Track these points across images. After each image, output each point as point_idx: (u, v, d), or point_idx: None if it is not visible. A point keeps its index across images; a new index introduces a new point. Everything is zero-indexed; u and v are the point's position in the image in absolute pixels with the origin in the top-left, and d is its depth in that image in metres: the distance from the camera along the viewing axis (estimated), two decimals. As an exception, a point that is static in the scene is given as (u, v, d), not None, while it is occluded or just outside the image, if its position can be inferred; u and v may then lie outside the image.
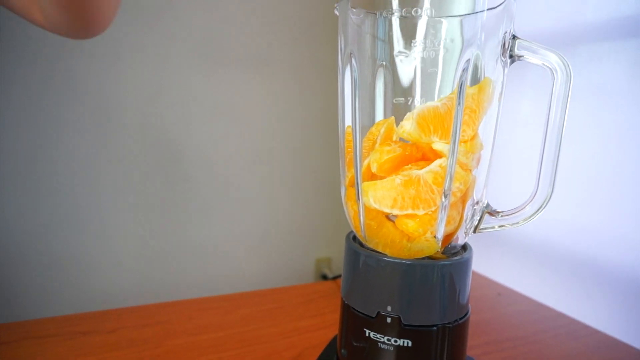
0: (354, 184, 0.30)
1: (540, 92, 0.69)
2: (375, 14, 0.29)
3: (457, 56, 0.28)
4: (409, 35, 0.29)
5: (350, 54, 0.30)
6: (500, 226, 0.32)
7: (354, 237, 0.34)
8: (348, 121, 0.32)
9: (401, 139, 0.30)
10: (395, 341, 0.29)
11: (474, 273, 0.71)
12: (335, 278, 0.67)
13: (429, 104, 0.28)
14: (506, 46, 0.29)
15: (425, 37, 0.28)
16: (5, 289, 0.85)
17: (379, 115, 0.32)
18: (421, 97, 0.30)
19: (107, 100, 0.91)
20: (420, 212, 0.28)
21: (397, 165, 0.30)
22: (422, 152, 0.30)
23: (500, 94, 0.31)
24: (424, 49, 0.28)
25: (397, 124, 0.30)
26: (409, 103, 0.30)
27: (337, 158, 0.35)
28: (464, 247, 0.32)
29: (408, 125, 0.28)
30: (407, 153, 0.30)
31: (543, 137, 0.29)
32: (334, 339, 0.41)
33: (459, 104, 0.27)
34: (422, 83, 0.30)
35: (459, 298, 0.30)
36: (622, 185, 0.58)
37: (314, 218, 1.19)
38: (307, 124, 1.14)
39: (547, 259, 0.69)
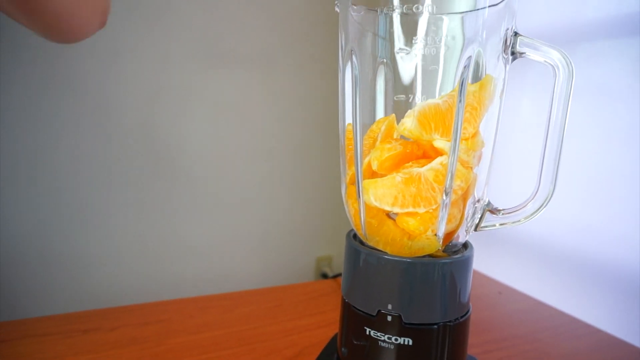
0: (355, 182, 0.30)
1: (542, 90, 0.69)
2: (376, 11, 0.29)
3: (459, 53, 0.28)
4: (410, 32, 0.28)
5: (351, 51, 0.30)
6: (501, 224, 0.32)
7: (355, 235, 0.33)
8: (349, 119, 0.31)
9: (402, 137, 0.30)
10: (396, 339, 0.29)
11: (475, 272, 0.71)
12: (335, 277, 0.67)
13: (430, 101, 0.28)
14: (508, 43, 0.29)
15: (427, 34, 0.28)
16: (5, 287, 0.85)
17: (380, 112, 0.32)
18: (422, 95, 0.30)
19: (107, 99, 0.91)
20: (421, 210, 0.28)
21: (397, 163, 0.30)
22: (423, 149, 0.30)
23: (502, 91, 0.30)
24: (425, 46, 0.28)
25: (398, 121, 0.30)
26: (410, 100, 0.30)
27: (338, 156, 0.35)
28: (465, 245, 0.32)
29: (409, 123, 0.28)
30: (408, 151, 0.30)
31: (545, 135, 0.29)
32: (335, 337, 0.41)
33: (460, 101, 0.27)
34: (423, 80, 0.29)
35: (460, 296, 0.30)
36: (622, 184, 0.58)
37: (315, 216, 1.19)
38: (307, 123, 1.14)
39: (548, 258, 0.69)
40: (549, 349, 0.48)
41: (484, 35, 0.28)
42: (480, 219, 0.32)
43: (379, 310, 0.29)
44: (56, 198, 0.89)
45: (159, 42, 0.94)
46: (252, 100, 1.06)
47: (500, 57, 0.29)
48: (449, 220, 0.29)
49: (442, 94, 0.29)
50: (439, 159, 0.28)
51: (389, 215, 0.30)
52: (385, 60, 0.30)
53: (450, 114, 0.28)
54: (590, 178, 0.62)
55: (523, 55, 0.29)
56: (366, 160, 0.30)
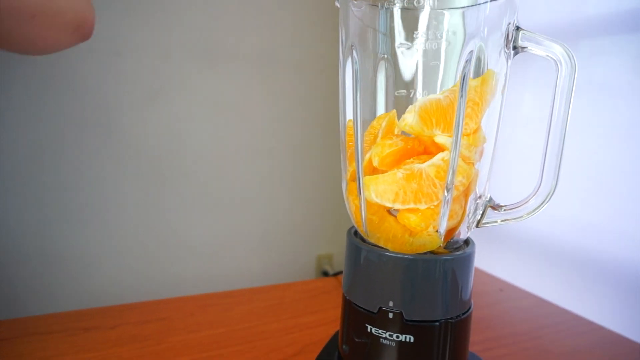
0: (356, 179, 0.30)
1: (544, 85, 0.69)
2: (377, 6, 0.29)
3: (460, 48, 0.28)
4: (410, 27, 0.28)
5: (352, 46, 0.30)
6: (503, 220, 0.31)
7: (355, 232, 0.33)
8: (349, 115, 0.31)
9: (403, 133, 0.30)
10: (397, 337, 0.28)
11: (476, 269, 0.71)
12: (336, 274, 0.67)
13: (431, 96, 0.28)
14: (510, 37, 0.29)
15: (428, 29, 0.28)
16: (6, 285, 0.85)
17: (381, 108, 0.31)
18: (423, 90, 0.29)
19: (107, 99, 0.91)
20: (423, 207, 0.28)
21: (398, 159, 0.29)
22: (424, 145, 0.30)
23: (504, 86, 0.30)
24: (426, 41, 0.28)
25: (399, 117, 0.30)
26: (411, 96, 0.30)
27: (338, 155, 0.34)
28: (467, 241, 0.32)
29: (410, 118, 0.28)
30: (409, 147, 0.29)
31: (547, 130, 0.29)
32: (336, 335, 0.41)
33: (462, 96, 0.27)
34: (424, 75, 0.29)
35: (461, 293, 0.30)
36: (624, 181, 0.57)
37: (315, 215, 1.19)
38: (308, 122, 1.14)
39: (549, 255, 0.69)
40: (550, 346, 0.48)
41: (486, 30, 0.28)
42: (482, 215, 0.32)
43: (380, 308, 0.29)
44: (57, 197, 0.89)
45: (159, 42, 0.94)
46: (252, 100, 1.06)
47: (502, 51, 0.29)
48: (450, 217, 0.29)
49: (444, 89, 0.29)
50: (440, 155, 0.28)
51: (390, 211, 0.30)
52: (386, 56, 0.30)
53: (451, 109, 0.28)
54: (592, 175, 0.62)
55: (525, 49, 0.29)
56: (367, 156, 0.30)
